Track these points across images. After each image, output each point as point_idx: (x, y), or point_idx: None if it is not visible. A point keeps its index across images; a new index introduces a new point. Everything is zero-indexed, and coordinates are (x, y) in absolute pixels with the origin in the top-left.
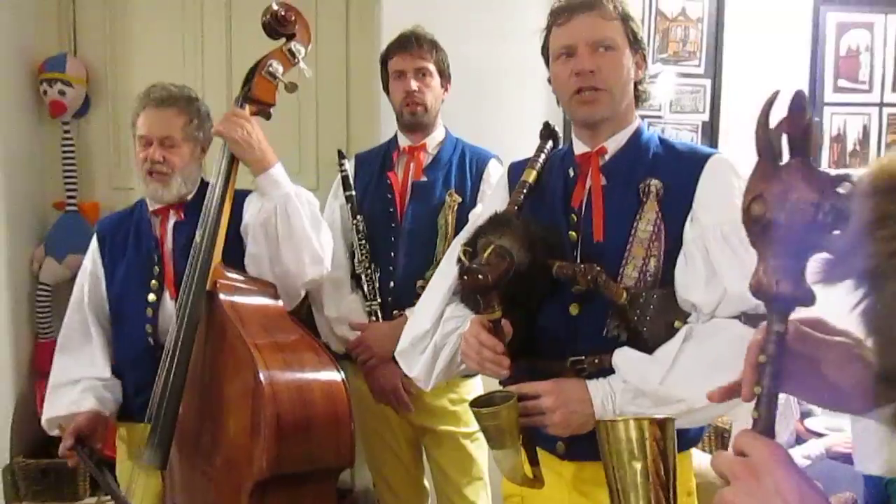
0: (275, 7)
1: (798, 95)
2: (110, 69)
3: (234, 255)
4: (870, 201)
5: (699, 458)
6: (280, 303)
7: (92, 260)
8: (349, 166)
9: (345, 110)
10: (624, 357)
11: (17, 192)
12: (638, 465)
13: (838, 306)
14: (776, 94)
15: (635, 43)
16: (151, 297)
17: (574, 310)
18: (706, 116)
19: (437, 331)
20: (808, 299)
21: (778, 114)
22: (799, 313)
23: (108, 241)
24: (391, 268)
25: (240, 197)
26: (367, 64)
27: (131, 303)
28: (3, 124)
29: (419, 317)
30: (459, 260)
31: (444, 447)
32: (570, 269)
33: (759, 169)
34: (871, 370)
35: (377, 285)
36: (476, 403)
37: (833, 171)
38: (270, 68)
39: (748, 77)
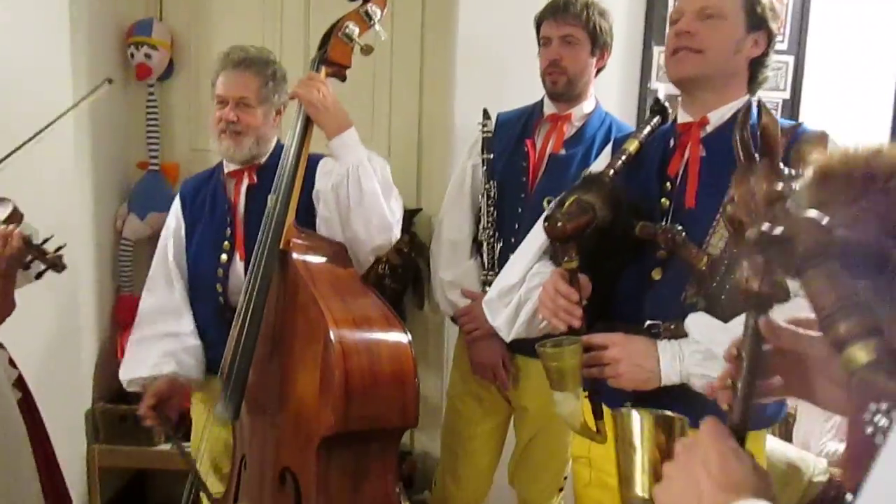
0: None
1: (757, 105)
2: (193, 34)
3: (306, 218)
4: (809, 191)
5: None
6: (350, 264)
7: (175, 219)
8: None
9: (418, 78)
10: (697, 320)
11: (103, 151)
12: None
13: None
14: (748, 103)
15: (755, 20)
16: (223, 257)
17: (656, 275)
18: (787, 94)
19: (523, 285)
20: (780, 295)
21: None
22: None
23: (188, 202)
24: (513, 240)
25: (313, 161)
26: (443, 31)
27: (204, 264)
28: (93, 86)
29: (509, 270)
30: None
31: (534, 424)
32: (652, 229)
33: (735, 174)
34: None
35: (497, 255)
36: (543, 345)
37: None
38: (347, 30)
39: (834, 55)
